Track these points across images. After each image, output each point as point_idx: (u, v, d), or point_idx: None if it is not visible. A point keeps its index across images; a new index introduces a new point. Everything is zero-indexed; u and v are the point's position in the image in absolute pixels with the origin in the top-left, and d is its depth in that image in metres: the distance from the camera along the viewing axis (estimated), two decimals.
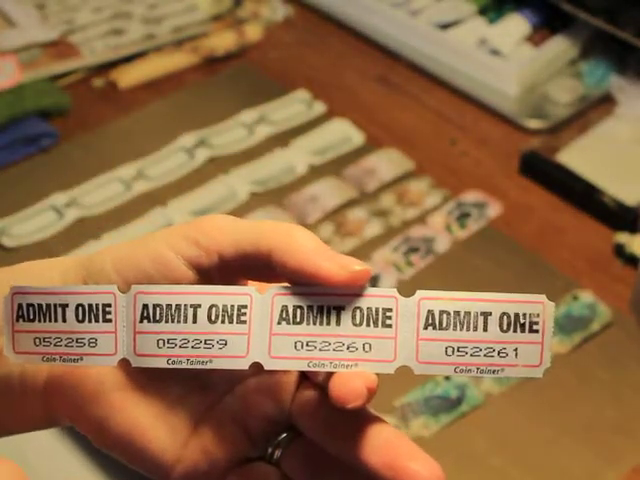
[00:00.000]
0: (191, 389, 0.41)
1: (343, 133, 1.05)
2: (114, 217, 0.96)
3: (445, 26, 1.14)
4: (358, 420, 0.38)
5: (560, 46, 1.11)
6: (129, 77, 1.12)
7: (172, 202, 0.97)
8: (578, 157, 1.00)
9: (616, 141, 1.03)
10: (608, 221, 0.94)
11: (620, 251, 0.91)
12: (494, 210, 0.96)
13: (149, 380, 0.40)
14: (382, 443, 0.38)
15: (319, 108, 1.08)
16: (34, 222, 0.95)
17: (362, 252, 0.92)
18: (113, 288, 0.38)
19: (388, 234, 0.94)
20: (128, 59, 1.14)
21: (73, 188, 0.99)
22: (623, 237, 0.91)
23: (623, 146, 1.03)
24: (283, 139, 1.04)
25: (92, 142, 1.05)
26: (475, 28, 1.14)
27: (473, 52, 1.10)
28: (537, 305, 0.37)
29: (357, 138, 1.05)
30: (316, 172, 1.00)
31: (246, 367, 0.37)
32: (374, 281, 0.89)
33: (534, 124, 1.05)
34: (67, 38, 1.15)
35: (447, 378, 0.79)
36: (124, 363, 0.38)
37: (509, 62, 1.10)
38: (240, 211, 0.96)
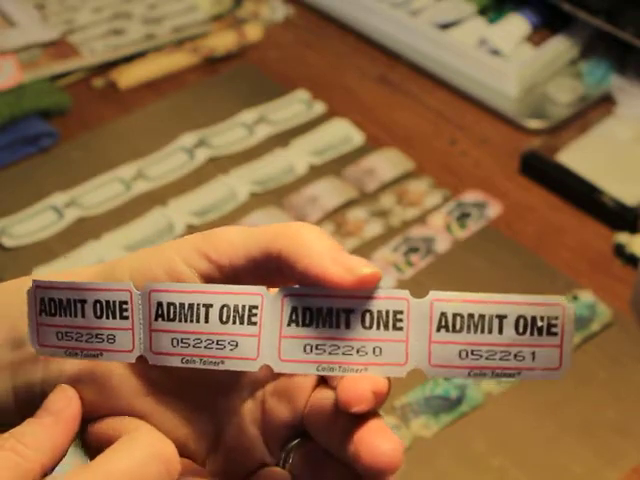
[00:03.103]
0: (214, 394, 0.41)
1: (343, 133, 1.05)
2: (114, 217, 0.96)
3: (445, 26, 1.14)
4: (361, 423, 0.38)
5: (560, 46, 1.12)
6: (129, 77, 1.12)
7: (172, 202, 0.97)
8: (578, 157, 1.00)
9: (616, 141, 1.03)
10: (608, 221, 0.94)
11: (620, 251, 0.91)
12: (494, 210, 0.96)
13: (173, 386, 0.40)
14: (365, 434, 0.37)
15: (319, 108, 1.08)
16: (34, 222, 0.95)
17: (362, 252, 0.92)
18: (129, 286, 0.38)
19: (388, 234, 0.94)
20: (128, 59, 1.14)
21: (73, 188, 0.99)
22: (623, 237, 0.91)
23: (623, 146, 1.03)
24: (283, 139, 1.04)
25: (92, 142, 1.05)
26: (475, 28, 1.14)
27: (473, 52, 1.10)
28: (556, 308, 0.36)
29: (357, 138, 1.05)
30: (316, 172, 1.00)
31: (256, 369, 0.37)
32: None
33: (534, 124, 1.05)
34: (67, 38, 1.15)
35: (447, 378, 0.79)
36: (142, 365, 0.38)
37: (509, 62, 1.10)
38: (240, 211, 0.96)
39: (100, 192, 0.99)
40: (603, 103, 1.07)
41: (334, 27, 1.21)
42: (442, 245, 0.93)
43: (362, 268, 0.36)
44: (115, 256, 0.91)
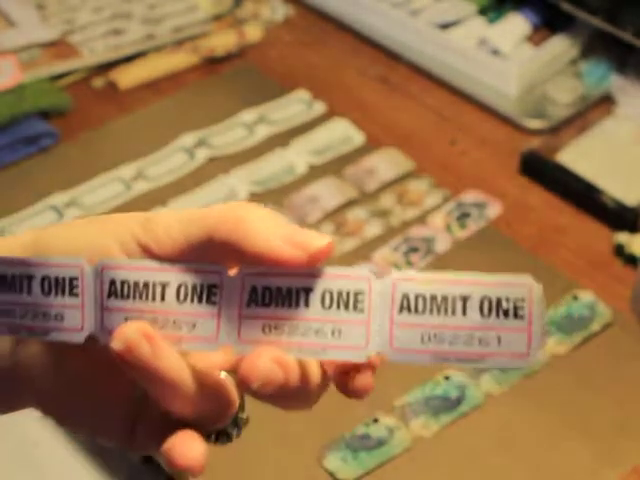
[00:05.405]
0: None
1: (343, 133, 1.05)
2: None
3: (445, 26, 1.14)
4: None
5: (560, 46, 1.12)
6: (129, 77, 1.12)
7: (172, 202, 0.97)
8: (578, 157, 1.00)
9: (616, 141, 1.03)
10: (608, 221, 0.94)
11: (620, 251, 0.91)
12: (494, 210, 0.96)
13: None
14: None
15: (319, 108, 1.08)
16: (34, 222, 0.95)
17: (362, 252, 0.92)
18: (81, 261, 0.37)
19: (388, 234, 0.94)
20: (128, 59, 1.14)
21: (73, 188, 0.99)
22: (623, 237, 0.91)
23: (623, 146, 1.03)
24: (283, 139, 1.04)
25: (92, 142, 1.05)
26: (475, 28, 1.14)
27: (473, 52, 1.10)
28: (521, 288, 0.34)
29: (357, 138, 1.05)
30: (316, 172, 1.00)
31: (215, 349, 0.36)
32: None
33: (534, 124, 1.05)
34: (67, 38, 1.15)
35: (447, 378, 0.79)
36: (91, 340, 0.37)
37: (509, 62, 1.10)
38: None
39: (100, 192, 0.99)
40: (603, 103, 1.07)
41: (334, 27, 1.21)
42: (442, 245, 0.93)
43: (313, 242, 0.35)
44: None
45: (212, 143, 1.04)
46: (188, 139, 1.04)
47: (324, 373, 0.38)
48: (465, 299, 0.35)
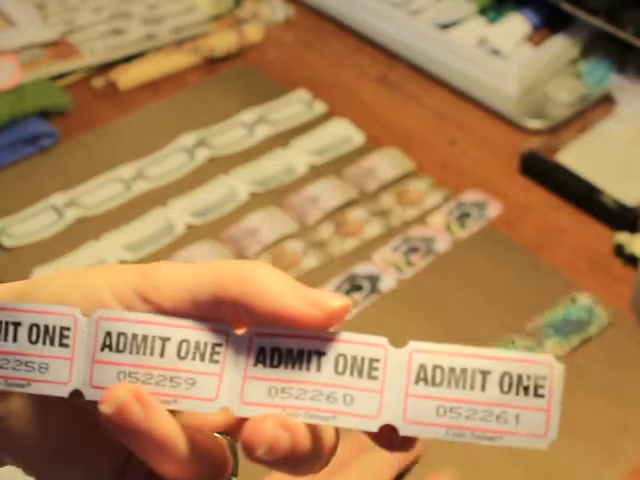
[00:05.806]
0: None
1: (343, 133, 1.05)
2: (114, 217, 0.96)
3: (445, 26, 1.14)
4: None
5: (560, 46, 1.12)
6: (129, 77, 1.12)
7: (172, 202, 0.97)
8: (578, 157, 1.00)
9: (616, 141, 1.03)
10: (608, 221, 0.94)
11: (620, 251, 0.91)
12: (494, 210, 0.96)
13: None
14: None
15: (319, 108, 1.08)
16: (34, 222, 0.95)
17: (362, 252, 0.92)
18: (74, 310, 0.35)
19: (388, 234, 0.94)
20: (128, 59, 1.14)
21: (73, 188, 0.99)
22: (623, 237, 0.91)
23: (623, 146, 1.03)
24: (283, 139, 1.04)
25: (92, 142, 1.05)
26: (475, 28, 1.14)
27: (473, 52, 1.10)
28: (543, 366, 0.34)
29: (357, 138, 1.05)
30: (316, 172, 1.00)
31: (215, 411, 0.35)
32: (374, 281, 0.89)
33: (534, 124, 1.05)
34: (67, 38, 1.15)
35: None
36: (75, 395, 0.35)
37: (509, 62, 1.10)
38: (240, 211, 0.96)
39: (100, 192, 0.99)
40: (603, 103, 1.07)
41: (334, 27, 1.21)
42: (442, 245, 0.93)
43: (330, 301, 0.34)
44: (115, 256, 0.91)
45: (212, 143, 1.04)
46: (188, 139, 1.04)
47: (337, 435, 0.36)
48: (485, 373, 0.34)
